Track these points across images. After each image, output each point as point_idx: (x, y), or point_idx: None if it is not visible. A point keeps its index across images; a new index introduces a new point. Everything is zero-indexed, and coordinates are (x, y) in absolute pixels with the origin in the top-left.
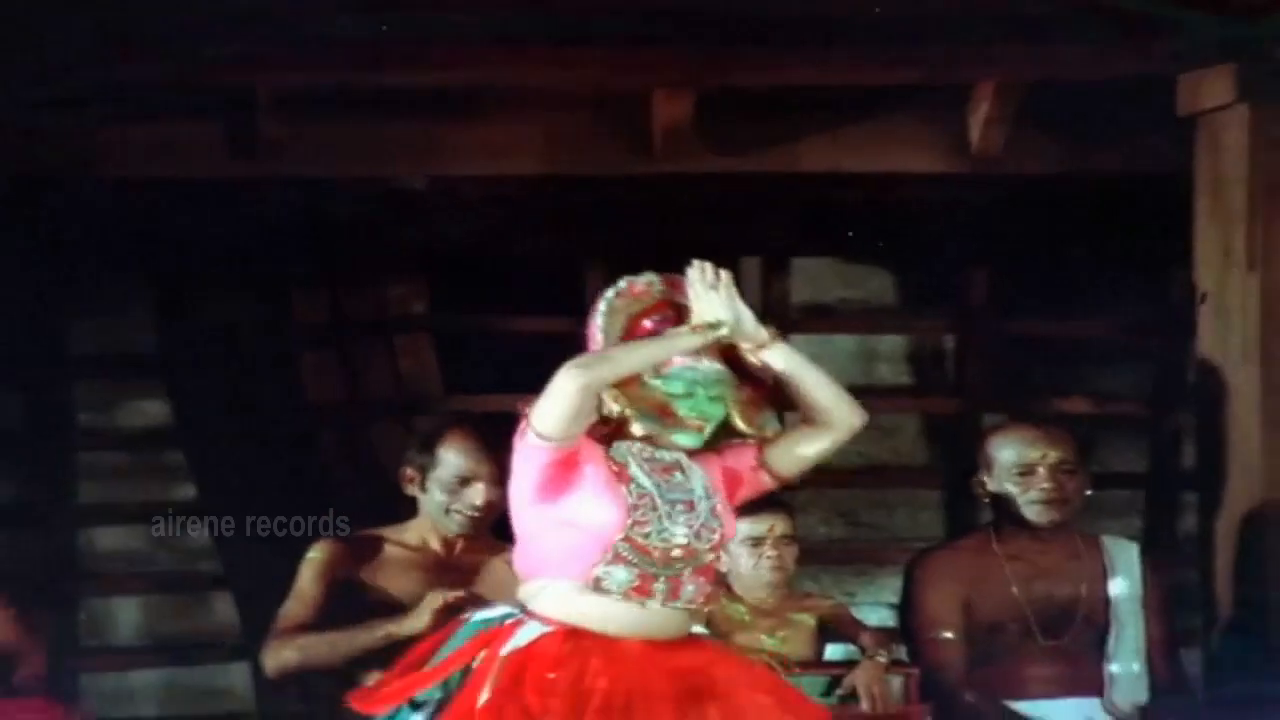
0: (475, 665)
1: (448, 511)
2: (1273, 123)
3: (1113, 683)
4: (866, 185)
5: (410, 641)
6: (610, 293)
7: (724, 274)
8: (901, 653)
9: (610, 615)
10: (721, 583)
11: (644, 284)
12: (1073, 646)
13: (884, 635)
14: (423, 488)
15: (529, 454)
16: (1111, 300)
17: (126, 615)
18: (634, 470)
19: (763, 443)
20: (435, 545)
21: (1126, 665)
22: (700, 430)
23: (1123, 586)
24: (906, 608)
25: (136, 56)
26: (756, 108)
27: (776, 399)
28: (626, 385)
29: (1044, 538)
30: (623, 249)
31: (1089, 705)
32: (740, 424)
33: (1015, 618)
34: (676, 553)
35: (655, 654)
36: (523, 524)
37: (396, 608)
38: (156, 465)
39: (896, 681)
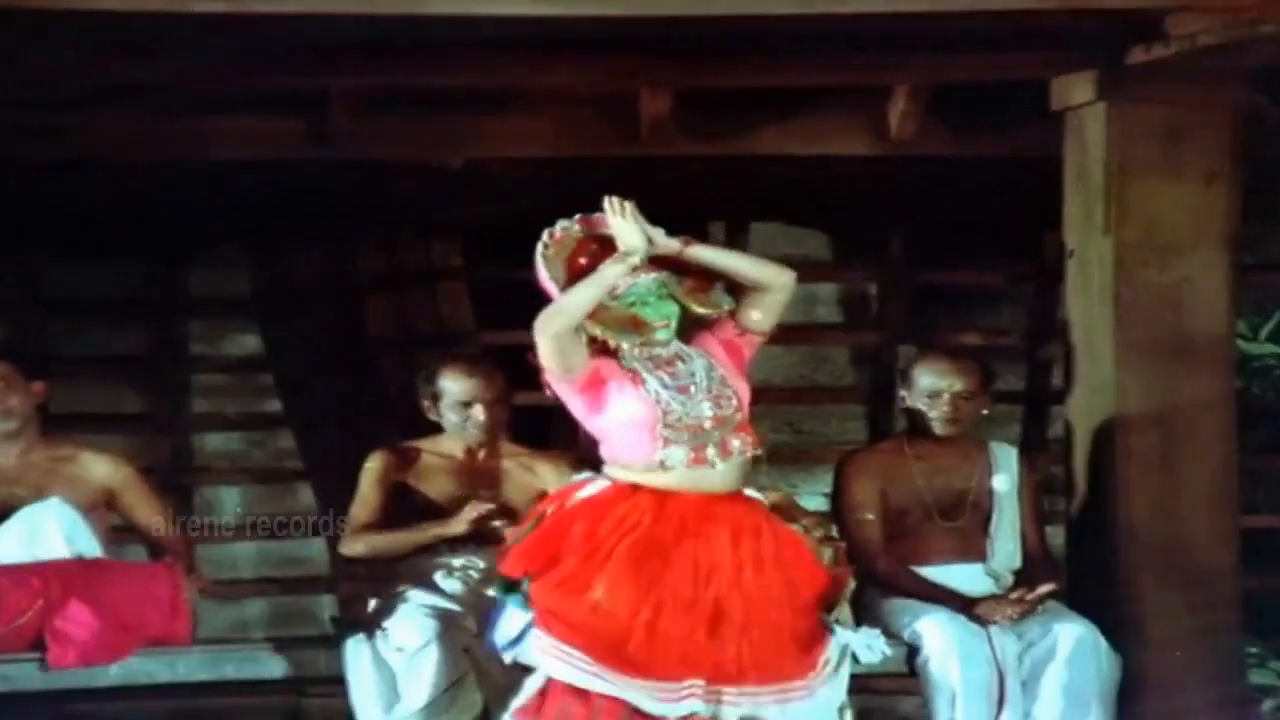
0: (548, 513)
1: (463, 428)
2: (1123, 117)
3: (994, 552)
4: (807, 165)
5: (452, 541)
6: (539, 246)
7: (628, 205)
8: (833, 530)
9: (675, 482)
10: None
11: (560, 230)
12: (964, 526)
13: (820, 517)
14: (438, 412)
15: (559, 389)
16: (999, 256)
17: (229, 501)
18: (643, 373)
19: (734, 315)
20: (460, 454)
21: (1005, 540)
22: (668, 326)
23: (1004, 480)
24: (836, 496)
25: (241, 67)
26: (722, 104)
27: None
28: (597, 315)
29: (944, 443)
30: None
31: (975, 570)
32: (696, 308)
33: (920, 504)
34: (708, 424)
35: (705, 502)
36: (593, 431)
37: (435, 507)
38: (251, 385)
39: (829, 552)
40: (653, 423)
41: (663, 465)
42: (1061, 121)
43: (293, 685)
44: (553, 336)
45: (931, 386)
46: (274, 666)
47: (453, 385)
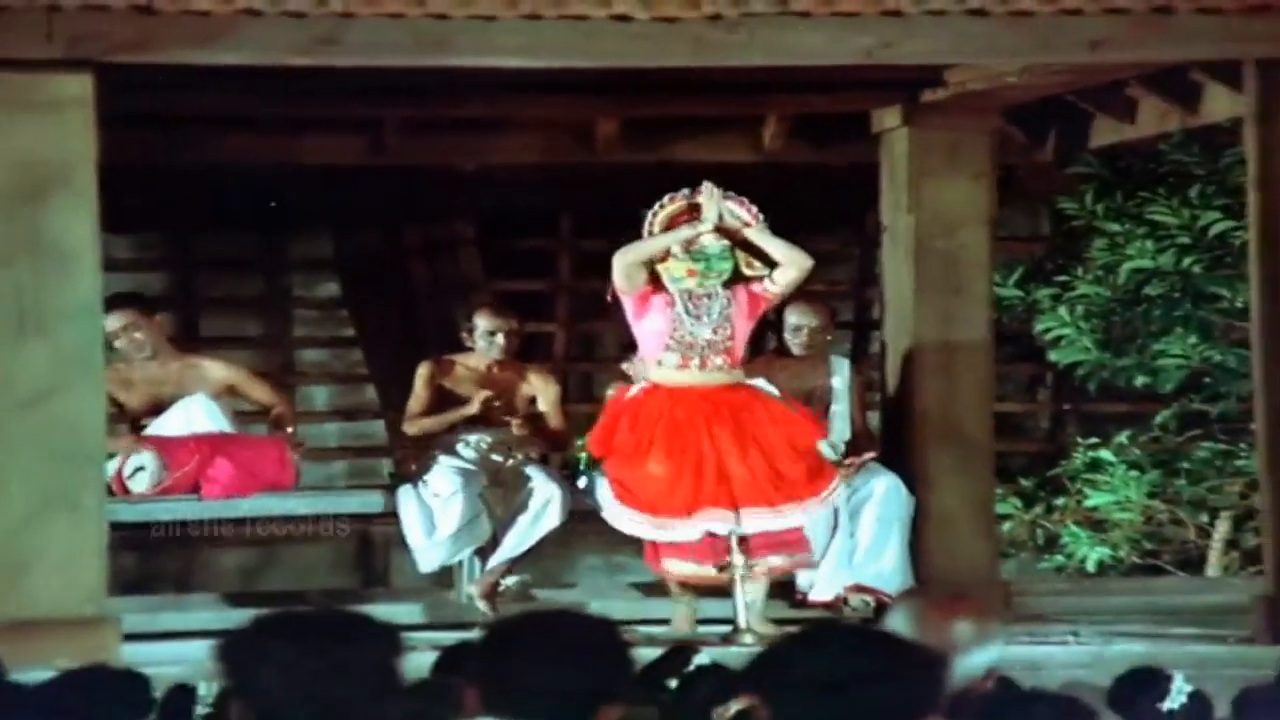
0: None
1: (489, 350)
2: (919, 137)
3: (832, 429)
4: (710, 169)
5: (469, 423)
6: (658, 205)
7: (714, 189)
8: None
9: (670, 379)
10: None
11: (677, 198)
12: (811, 410)
13: None
14: (472, 340)
15: (622, 300)
16: (839, 228)
17: (320, 396)
18: (678, 300)
19: (764, 278)
20: (482, 368)
21: (839, 421)
22: (720, 275)
23: (839, 380)
24: None
25: (321, 100)
26: (652, 126)
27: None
28: (665, 259)
29: (801, 358)
30: (580, 205)
31: (820, 442)
32: (745, 271)
33: (789, 394)
34: (701, 343)
35: (706, 392)
36: (636, 334)
37: (462, 399)
38: (333, 318)
39: None
40: (664, 334)
41: (660, 364)
42: (879, 140)
43: (363, 519)
44: (624, 264)
45: (795, 323)
46: (350, 505)
47: (484, 321)
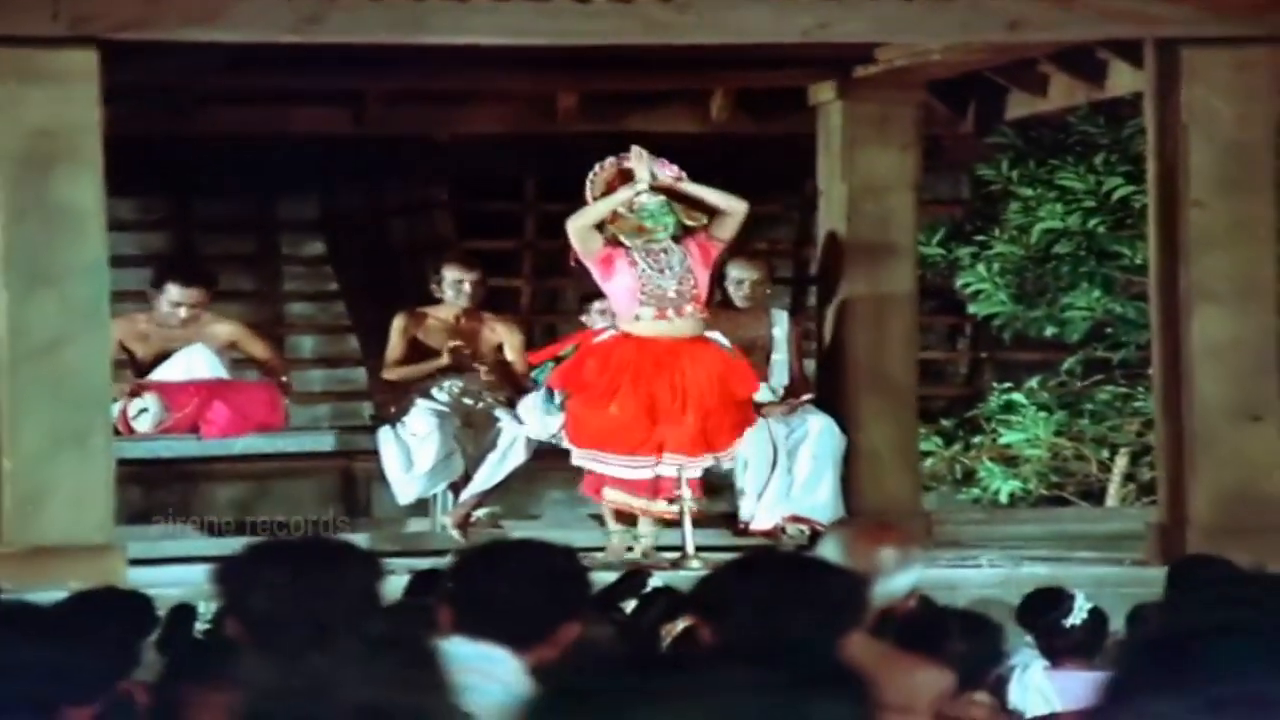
0: (574, 350)
1: (456, 299)
2: (851, 110)
3: (772, 375)
4: (662, 139)
5: (443, 370)
6: (592, 173)
7: (642, 152)
8: None
9: (649, 330)
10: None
11: (607, 164)
12: (755, 359)
13: None
14: (441, 290)
15: (585, 261)
16: (780, 192)
17: (307, 345)
18: (639, 258)
19: (706, 228)
20: (451, 318)
21: (779, 368)
22: (665, 230)
23: (779, 331)
24: None
25: (309, 75)
26: (609, 99)
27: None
28: (616, 221)
29: (743, 309)
30: (544, 169)
31: (761, 386)
32: (686, 220)
33: (732, 344)
34: (672, 295)
35: (671, 344)
36: (606, 293)
37: (434, 348)
38: (319, 274)
39: None
40: (636, 290)
41: (637, 319)
42: (815, 112)
43: (346, 456)
44: (576, 229)
45: (737, 277)
46: (335, 443)
47: (451, 273)
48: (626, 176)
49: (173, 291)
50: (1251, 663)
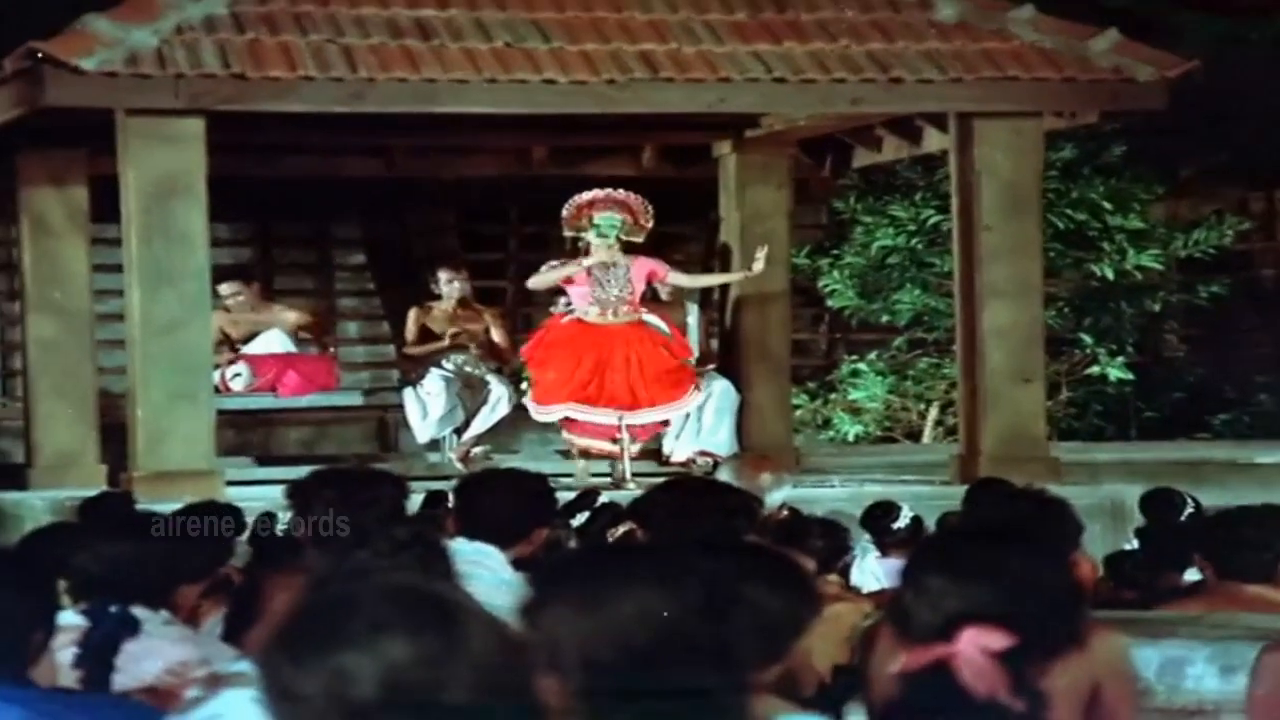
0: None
1: (449, 294)
2: (743, 160)
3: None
4: (607, 180)
5: (448, 347)
6: (564, 209)
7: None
8: None
9: (594, 320)
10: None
11: (571, 204)
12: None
13: None
14: (439, 287)
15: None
16: (692, 219)
17: (354, 328)
18: (596, 272)
19: (669, 272)
20: (450, 308)
21: (692, 344)
22: (614, 229)
23: (692, 318)
24: None
25: (353, 132)
26: (569, 152)
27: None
28: (587, 253)
29: (666, 303)
30: (523, 201)
31: None
32: (626, 238)
33: None
34: (613, 299)
35: (615, 328)
36: (570, 294)
37: (439, 334)
38: (361, 276)
39: None
40: (588, 295)
41: (587, 313)
42: (717, 161)
43: (380, 409)
44: (534, 285)
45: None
46: (372, 400)
47: (443, 274)
48: (583, 211)
49: (226, 289)
50: (1012, 552)
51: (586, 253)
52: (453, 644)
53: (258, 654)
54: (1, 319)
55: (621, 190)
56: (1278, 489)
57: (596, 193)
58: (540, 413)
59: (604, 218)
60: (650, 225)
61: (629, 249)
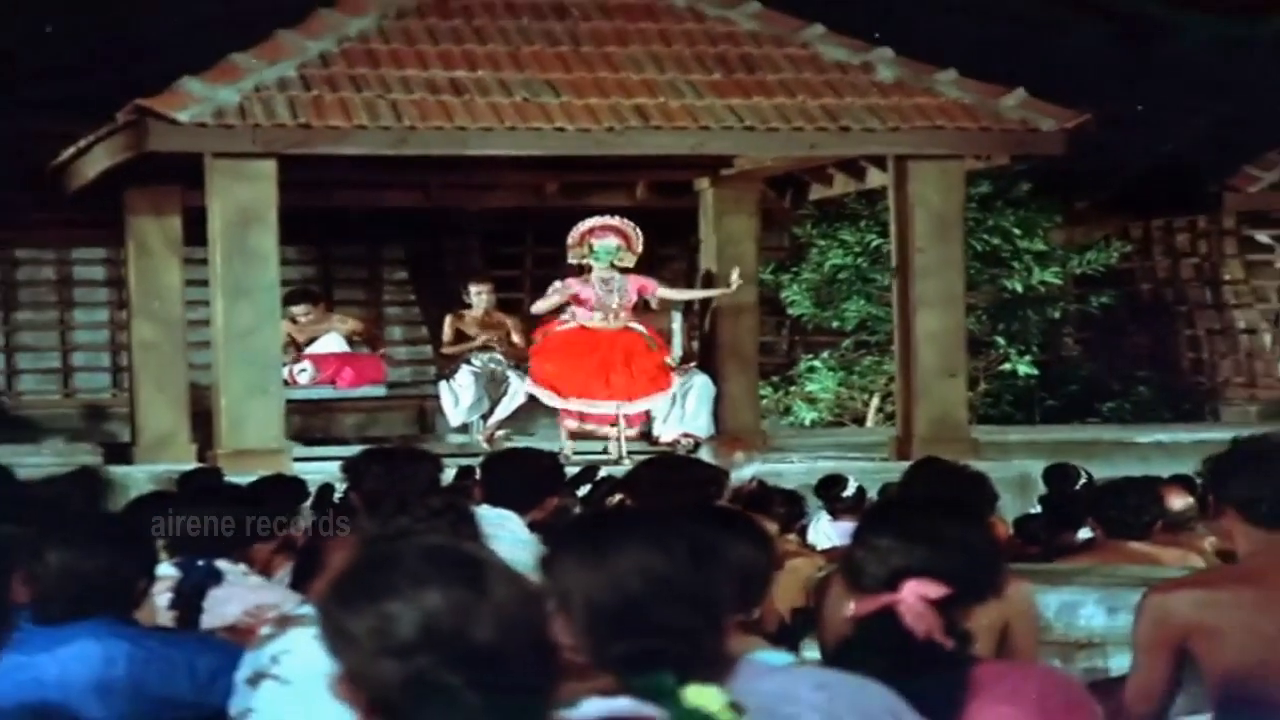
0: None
1: (479, 303)
2: (719, 194)
3: (672, 350)
4: (608, 209)
5: (478, 347)
6: (570, 236)
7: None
8: None
9: (595, 324)
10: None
11: (575, 232)
12: (663, 339)
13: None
14: (468, 297)
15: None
16: (676, 241)
17: (397, 333)
18: (597, 286)
19: (658, 287)
20: (480, 314)
21: (676, 345)
22: (613, 259)
23: (676, 324)
24: None
25: (395, 172)
26: (575, 186)
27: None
28: (590, 270)
29: (656, 310)
30: (537, 227)
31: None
32: (619, 263)
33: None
34: (613, 308)
35: (610, 332)
36: (574, 304)
37: (470, 336)
38: (404, 290)
39: None
40: (591, 303)
41: (591, 319)
42: (698, 195)
43: (420, 398)
44: (538, 310)
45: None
46: (413, 391)
47: (472, 286)
48: (584, 238)
49: (298, 309)
50: (943, 517)
51: (588, 273)
52: (480, 593)
53: (319, 600)
54: (112, 325)
55: (617, 218)
56: (1154, 464)
57: (595, 221)
58: (536, 390)
59: (602, 244)
60: (641, 250)
61: (623, 270)
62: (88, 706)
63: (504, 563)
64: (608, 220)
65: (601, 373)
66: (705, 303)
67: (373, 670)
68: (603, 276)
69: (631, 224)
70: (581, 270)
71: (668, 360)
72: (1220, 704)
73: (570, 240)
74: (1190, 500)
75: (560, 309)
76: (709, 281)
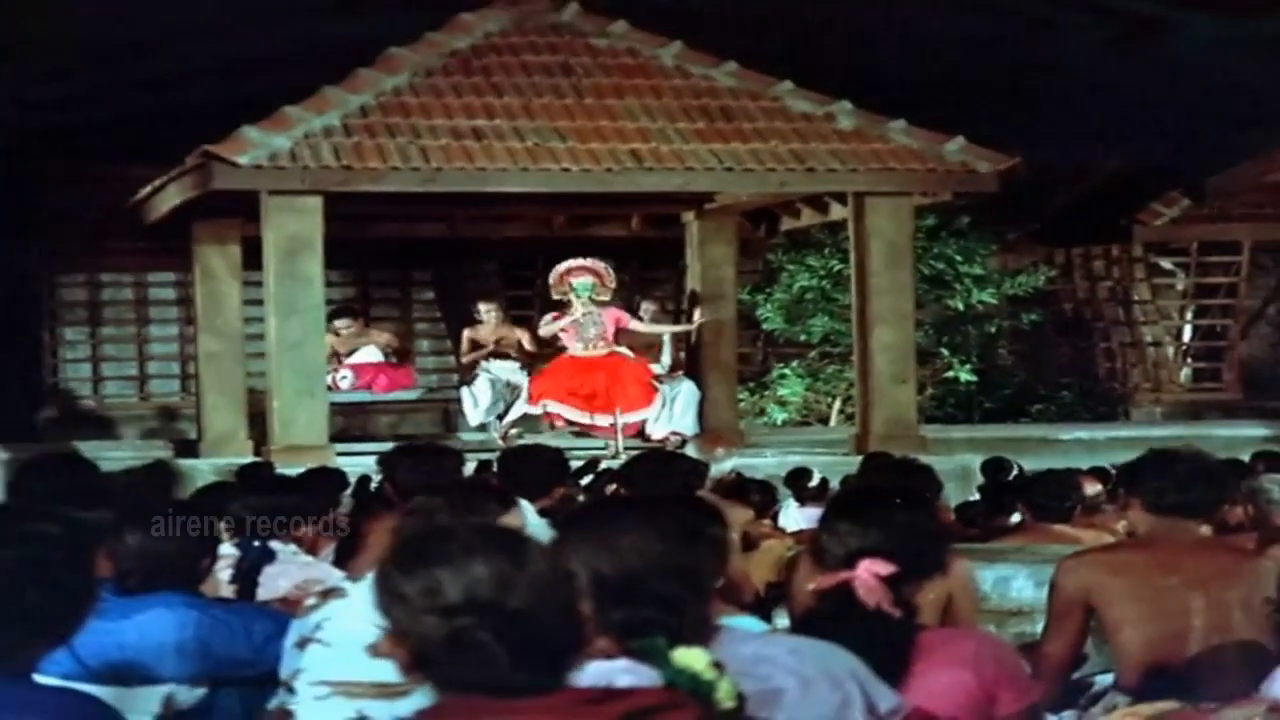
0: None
1: (490, 320)
2: (703, 226)
3: (663, 360)
4: (608, 240)
5: (490, 354)
6: (550, 276)
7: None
8: None
9: (578, 353)
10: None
11: (556, 271)
12: (654, 352)
13: None
14: (480, 314)
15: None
16: (666, 266)
17: (425, 345)
18: (580, 320)
19: (630, 320)
20: (492, 327)
21: (666, 355)
22: (590, 295)
23: (666, 338)
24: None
25: (422, 205)
26: (580, 218)
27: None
28: (570, 306)
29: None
30: (547, 254)
31: (654, 366)
32: (597, 298)
33: (640, 344)
34: (591, 338)
35: (595, 358)
36: (561, 336)
37: (485, 346)
38: (431, 308)
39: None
40: (575, 336)
41: (574, 349)
42: (684, 226)
43: (444, 401)
44: (543, 336)
45: (647, 308)
46: (438, 395)
47: (481, 305)
48: (564, 278)
49: (342, 323)
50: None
51: (568, 308)
52: (519, 566)
53: (377, 568)
54: (182, 338)
55: (590, 259)
56: (1074, 457)
57: (572, 262)
58: (533, 408)
59: (579, 282)
60: (614, 285)
61: (600, 303)
62: (162, 665)
63: (542, 543)
64: (583, 261)
65: (601, 390)
66: (691, 320)
67: (419, 627)
68: (583, 310)
69: (604, 264)
70: (563, 305)
71: (652, 381)
72: (1121, 655)
73: (552, 280)
74: (1100, 487)
75: (556, 337)
76: (694, 300)
